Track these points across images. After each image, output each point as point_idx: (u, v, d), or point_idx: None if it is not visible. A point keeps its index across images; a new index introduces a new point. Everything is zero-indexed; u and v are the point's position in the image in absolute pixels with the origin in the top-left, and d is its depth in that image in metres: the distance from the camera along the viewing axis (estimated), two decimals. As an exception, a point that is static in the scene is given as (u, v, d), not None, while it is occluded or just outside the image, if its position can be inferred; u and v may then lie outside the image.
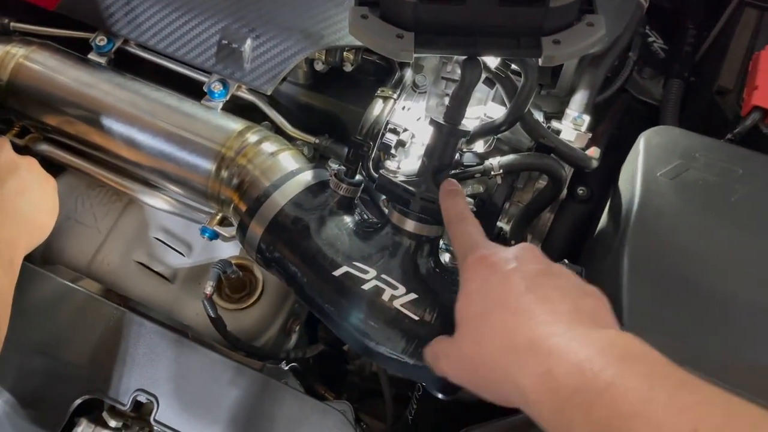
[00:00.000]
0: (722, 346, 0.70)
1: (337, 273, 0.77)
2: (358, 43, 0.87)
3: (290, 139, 0.94)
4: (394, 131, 0.87)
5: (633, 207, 0.78)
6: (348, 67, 0.92)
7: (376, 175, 0.80)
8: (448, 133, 0.75)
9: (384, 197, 0.86)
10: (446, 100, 0.93)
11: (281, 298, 0.99)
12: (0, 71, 0.94)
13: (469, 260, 0.63)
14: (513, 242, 0.90)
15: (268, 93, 0.90)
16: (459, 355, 0.61)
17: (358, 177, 0.82)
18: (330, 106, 0.97)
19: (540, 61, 0.70)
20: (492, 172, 0.81)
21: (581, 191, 1.01)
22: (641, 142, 0.83)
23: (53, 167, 1.03)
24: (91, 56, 0.96)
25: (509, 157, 0.82)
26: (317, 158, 0.97)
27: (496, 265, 0.61)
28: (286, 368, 1.02)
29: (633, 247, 0.76)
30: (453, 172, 0.81)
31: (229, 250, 1.00)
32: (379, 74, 0.96)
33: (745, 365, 0.69)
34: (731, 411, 0.45)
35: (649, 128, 0.89)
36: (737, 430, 0.43)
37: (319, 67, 0.93)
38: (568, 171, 0.88)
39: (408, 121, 0.89)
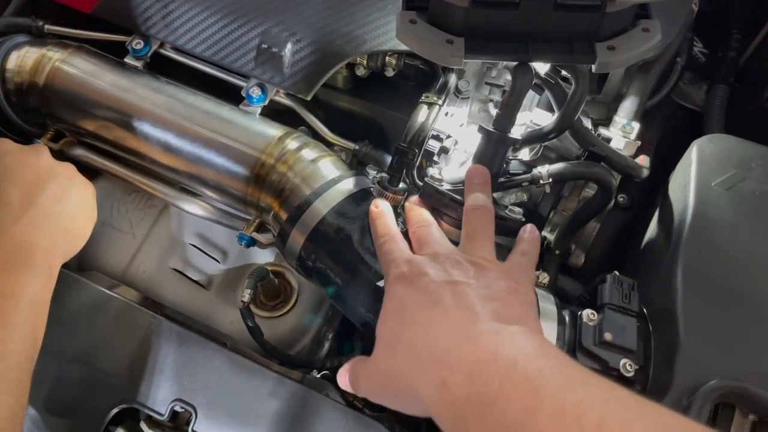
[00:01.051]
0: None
1: (381, 284, 0.75)
2: (401, 47, 0.86)
3: (328, 145, 0.92)
4: (437, 138, 0.85)
5: (686, 218, 0.76)
6: (390, 72, 0.90)
7: (421, 183, 0.78)
8: (498, 141, 0.73)
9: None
10: (490, 106, 0.91)
11: (316, 305, 0.97)
12: (36, 75, 0.93)
13: (390, 278, 0.65)
14: (557, 252, 0.88)
15: (308, 98, 0.89)
16: (375, 371, 0.63)
17: (401, 185, 0.81)
18: (369, 112, 0.95)
19: (593, 67, 0.68)
20: (541, 181, 0.79)
21: (622, 199, 0.99)
22: (694, 151, 0.81)
23: (88, 172, 1.02)
24: (128, 60, 0.95)
25: (559, 166, 0.80)
26: (355, 164, 0.95)
27: (411, 281, 0.63)
28: (318, 376, 1.01)
29: (687, 260, 0.74)
30: (500, 180, 0.79)
31: (263, 255, 0.98)
32: (419, 79, 0.94)
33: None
34: (610, 406, 0.45)
35: (690, 135, 0.86)
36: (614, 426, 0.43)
37: (360, 72, 0.91)
38: (616, 179, 0.86)
39: (451, 127, 0.87)
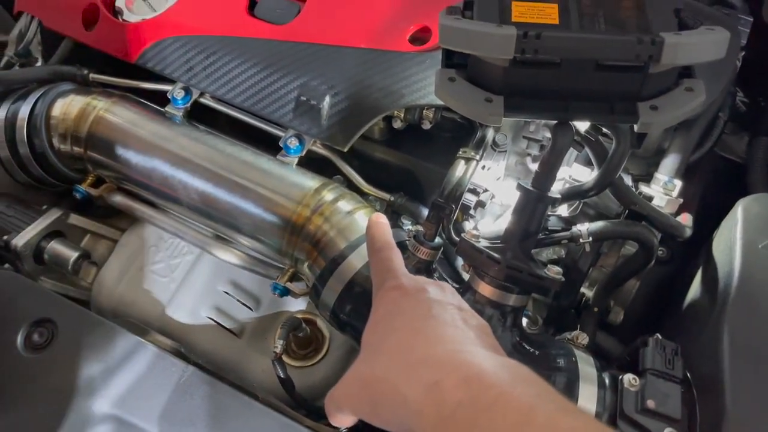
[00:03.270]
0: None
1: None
2: (439, 101, 0.86)
3: (363, 195, 0.92)
4: (474, 191, 0.84)
5: (732, 281, 0.74)
6: (426, 126, 0.90)
7: (457, 239, 0.78)
8: (536, 199, 0.72)
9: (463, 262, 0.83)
10: (527, 160, 0.90)
11: (348, 354, 0.97)
12: (81, 123, 0.95)
13: (385, 287, 0.64)
14: (596, 309, 0.86)
15: (345, 150, 0.89)
16: (353, 379, 0.60)
17: (437, 240, 0.80)
18: (405, 163, 0.95)
19: (636, 127, 0.67)
20: (581, 240, 0.77)
21: (661, 252, 0.97)
22: (739, 211, 0.79)
23: (126, 217, 1.04)
24: (169, 108, 0.96)
25: (599, 224, 0.78)
26: (390, 215, 0.95)
27: (409, 292, 0.62)
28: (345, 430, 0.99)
29: (733, 324, 0.71)
30: (539, 236, 0.78)
31: (296, 303, 0.98)
32: (456, 131, 0.94)
33: None
34: None
35: (732, 188, 0.84)
36: None
37: (397, 125, 0.91)
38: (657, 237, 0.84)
39: (487, 180, 0.86)
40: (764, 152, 1.01)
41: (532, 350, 0.74)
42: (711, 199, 1.01)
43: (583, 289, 0.88)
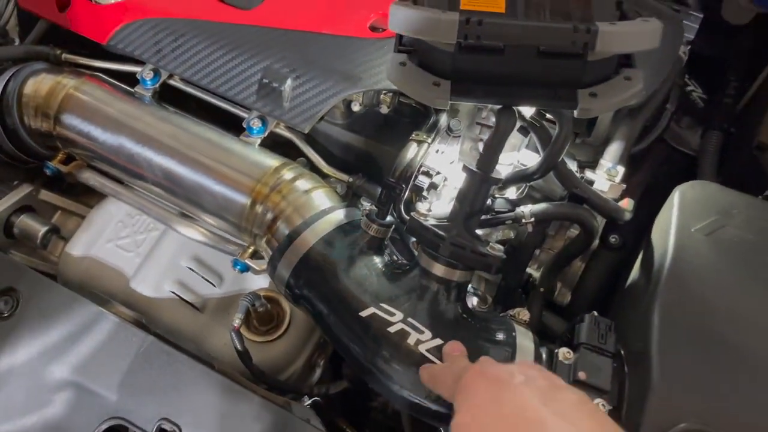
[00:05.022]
0: (752, 407, 0.68)
1: (363, 314, 0.77)
2: (395, 87, 0.89)
3: (324, 177, 0.96)
4: (427, 174, 0.87)
5: (665, 261, 0.77)
6: (384, 110, 0.94)
7: (407, 217, 0.81)
8: (481, 180, 0.75)
9: (414, 240, 0.86)
10: (480, 145, 0.93)
11: (308, 331, 1.00)
12: (50, 100, 0.98)
13: (469, 375, 0.61)
14: (542, 289, 0.90)
15: (306, 131, 0.92)
16: None
17: (389, 218, 0.83)
18: (365, 146, 0.98)
19: (576, 113, 0.70)
20: (523, 220, 0.81)
21: (614, 239, 1.00)
22: (676, 196, 0.82)
23: (95, 195, 1.06)
24: (138, 89, 0.99)
25: (541, 206, 0.82)
26: (350, 196, 0.98)
27: (501, 379, 0.59)
28: (308, 403, 1.02)
29: (664, 303, 0.75)
30: (484, 217, 0.82)
31: (259, 281, 1.01)
32: (414, 117, 0.97)
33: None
34: None
35: (685, 179, 0.88)
36: None
37: (356, 108, 0.94)
38: (600, 221, 0.87)
39: (441, 164, 0.89)
40: (714, 145, 1.04)
41: (474, 323, 0.78)
42: (664, 190, 1.05)
43: (530, 271, 0.92)
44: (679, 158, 1.14)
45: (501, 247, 0.76)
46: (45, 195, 1.05)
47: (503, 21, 0.66)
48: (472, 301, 0.93)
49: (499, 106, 0.74)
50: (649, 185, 1.01)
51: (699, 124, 1.15)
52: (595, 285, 0.99)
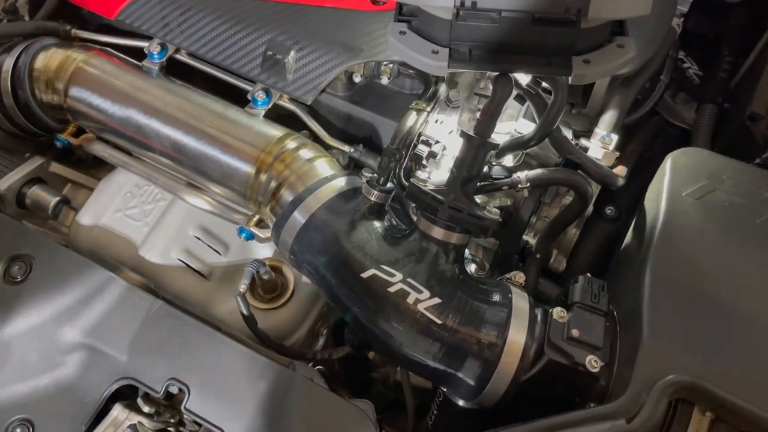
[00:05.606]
0: (739, 363, 0.70)
1: (364, 275, 0.80)
2: (395, 58, 0.92)
3: (327, 148, 0.98)
4: (427, 143, 0.90)
5: (657, 225, 0.80)
6: (385, 81, 0.96)
7: (407, 184, 0.83)
8: (478, 144, 0.78)
9: (413, 205, 0.89)
10: (479, 115, 0.96)
11: (311, 300, 1.02)
12: (60, 74, 1.01)
13: None
14: (538, 255, 0.92)
15: (309, 103, 0.95)
16: None
17: (389, 184, 0.86)
18: (366, 117, 1.01)
19: (569, 79, 0.72)
20: (519, 185, 0.83)
21: (609, 211, 1.02)
22: (668, 163, 0.85)
23: (105, 168, 1.09)
24: (145, 63, 1.02)
25: (536, 171, 0.84)
26: (352, 167, 1.01)
27: None
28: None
29: (655, 263, 0.77)
30: (481, 183, 0.84)
31: (263, 251, 1.04)
32: (415, 88, 0.99)
33: (764, 383, 0.69)
34: None
35: (680, 151, 0.90)
36: None
37: (357, 79, 0.97)
38: (594, 188, 0.90)
39: (440, 133, 0.92)
40: (708, 117, 1.07)
41: (471, 284, 0.80)
42: (659, 162, 1.07)
43: (527, 238, 0.94)
44: (673, 132, 1.16)
45: (497, 210, 0.79)
46: (55, 167, 1.08)
47: (498, -13, 0.69)
48: (470, 268, 0.95)
49: (495, 74, 0.76)
50: (644, 158, 1.03)
51: (694, 100, 1.17)
52: (591, 254, 1.02)
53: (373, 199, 0.84)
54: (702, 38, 1.21)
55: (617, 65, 0.73)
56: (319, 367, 1.03)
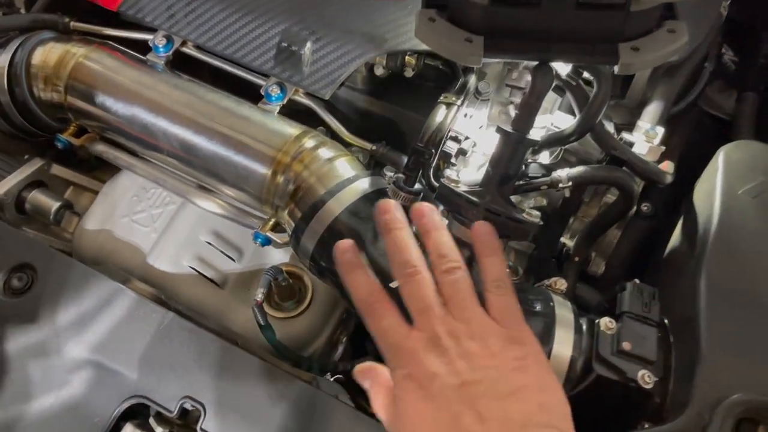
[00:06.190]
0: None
1: (393, 285, 0.74)
2: (421, 47, 0.85)
3: (346, 145, 0.92)
4: (456, 139, 0.83)
5: (711, 226, 0.74)
6: (409, 73, 0.90)
7: (437, 184, 0.77)
8: (516, 141, 0.71)
9: (442, 207, 0.83)
10: (510, 109, 0.89)
11: (330, 307, 0.97)
12: (60, 70, 0.94)
13: (397, 374, 0.59)
14: (576, 258, 0.86)
15: (327, 98, 0.88)
16: None
17: (417, 186, 0.79)
18: (388, 112, 0.95)
19: (616, 69, 0.66)
20: (560, 185, 0.77)
21: (645, 207, 0.96)
22: (720, 158, 0.78)
23: (109, 170, 1.03)
24: (150, 57, 0.95)
25: (579, 169, 0.78)
26: (372, 165, 0.94)
27: (422, 386, 0.57)
28: (332, 380, 1.00)
29: (711, 269, 0.72)
30: (518, 183, 0.78)
31: (279, 255, 0.98)
32: (440, 80, 0.93)
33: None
34: None
35: (718, 144, 0.84)
36: None
37: (379, 72, 0.90)
38: (639, 186, 0.83)
39: (470, 129, 0.85)
40: (751, 107, 1.00)
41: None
42: (697, 156, 1.01)
43: (564, 240, 0.88)
44: (710, 123, 1.09)
45: (538, 213, 0.73)
46: (57, 170, 1.02)
47: (542, -31, 0.62)
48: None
49: (534, 63, 0.69)
50: (681, 151, 0.97)
51: (732, 87, 1.10)
52: (628, 255, 0.96)
53: (400, 201, 0.78)
54: (735, 23, 1.14)
55: (668, 52, 0.67)
56: (337, 376, 0.98)
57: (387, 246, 0.64)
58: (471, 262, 0.71)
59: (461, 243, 0.71)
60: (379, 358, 0.98)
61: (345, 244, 0.67)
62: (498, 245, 0.64)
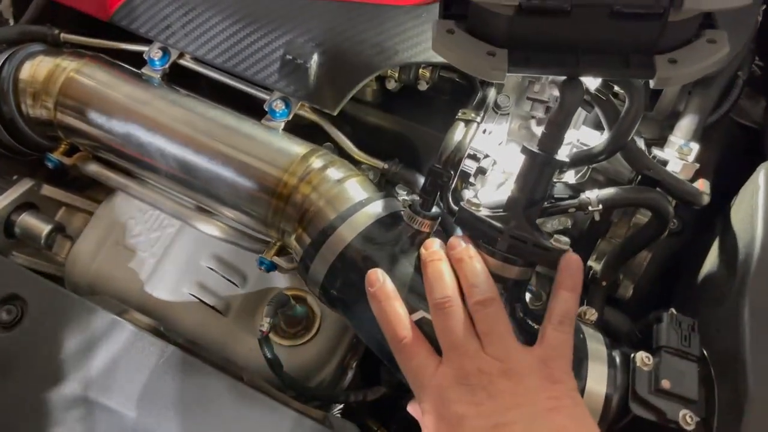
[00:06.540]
0: None
1: (412, 318, 0.68)
2: (435, 59, 0.79)
3: (355, 163, 0.86)
4: (474, 157, 0.78)
5: (754, 251, 0.68)
6: (423, 86, 0.84)
7: (456, 208, 0.72)
8: (543, 163, 0.66)
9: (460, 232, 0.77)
10: (532, 123, 0.84)
11: (340, 332, 0.92)
12: (49, 85, 0.89)
13: (426, 415, 0.62)
14: (604, 283, 0.81)
15: (335, 113, 0.83)
16: None
17: (434, 209, 0.74)
18: (400, 128, 0.89)
19: (652, 83, 0.61)
20: (589, 207, 0.71)
21: (673, 223, 0.91)
22: (761, 176, 0.73)
23: (103, 188, 0.98)
24: (145, 70, 0.90)
25: (609, 191, 0.72)
26: (383, 184, 0.89)
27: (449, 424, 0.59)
28: (340, 408, 0.95)
29: (756, 297, 0.66)
30: (544, 205, 0.72)
31: (284, 278, 0.93)
32: (455, 93, 0.87)
33: None
34: None
35: (748, 154, 0.79)
36: None
37: (391, 85, 0.85)
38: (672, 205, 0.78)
39: (489, 145, 0.80)
40: (783, 116, 0.94)
41: (537, 327, 0.69)
42: (725, 167, 0.95)
43: (590, 263, 0.83)
44: (738, 132, 1.04)
45: (567, 239, 0.67)
46: (47, 190, 0.96)
47: (574, -24, 0.57)
48: (526, 298, 0.83)
49: (563, 78, 0.64)
50: (715, 166, 0.91)
51: (761, 94, 1.04)
52: (655, 275, 0.90)
53: (416, 227, 0.72)
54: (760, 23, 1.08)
55: (709, 64, 0.61)
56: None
57: (424, 279, 0.66)
58: (506, 295, 0.66)
59: (496, 278, 0.66)
60: (392, 387, 0.93)
61: (376, 275, 0.68)
62: (580, 283, 0.65)
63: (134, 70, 0.91)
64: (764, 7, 0.83)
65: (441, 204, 0.74)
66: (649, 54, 0.60)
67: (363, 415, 1.00)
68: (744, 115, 1.03)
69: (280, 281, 0.92)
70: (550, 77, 0.75)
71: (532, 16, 0.58)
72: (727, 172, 0.89)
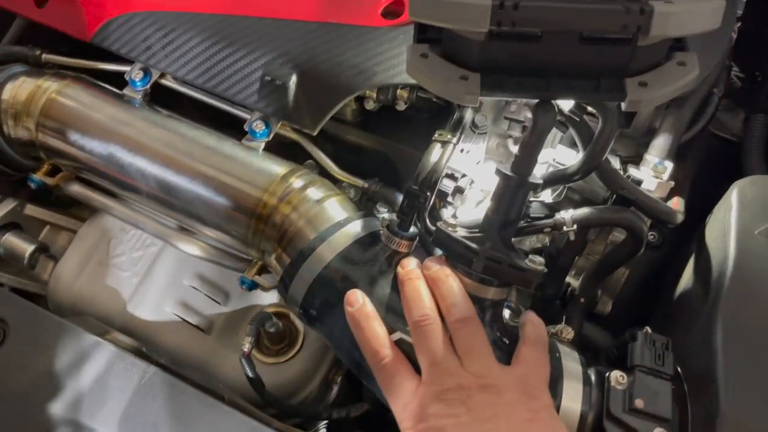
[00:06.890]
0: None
1: (392, 338, 0.69)
2: (413, 81, 0.80)
3: (335, 181, 0.87)
4: (452, 177, 0.78)
5: (726, 270, 0.69)
6: (401, 106, 0.85)
7: (433, 228, 0.72)
8: (517, 185, 0.67)
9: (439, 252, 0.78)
10: (509, 142, 0.85)
11: (323, 348, 0.92)
12: (30, 106, 0.89)
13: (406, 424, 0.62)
14: (582, 300, 0.81)
15: (314, 133, 0.83)
16: None
17: (412, 229, 0.74)
18: (380, 146, 0.90)
19: (624, 105, 0.61)
20: (564, 227, 0.72)
21: (652, 237, 0.91)
22: (734, 195, 0.74)
23: (87, 207, 0.98)
24: (127, 91, 0.90)
25: (584, 211, 0.73)
26: (364, 202, 0.89)
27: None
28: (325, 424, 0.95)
29: (727, 317, 0.67)
30: (519, 225, 0.73)
31: (267, 295, 0.93)
32: (434, 112, 0.88)
33: None
34: None
35: (727, 168, 0.79)
36: None
37: (369, 105, 0.85)
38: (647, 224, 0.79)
39: (466, 165, 0.80)
40: (761, 130, 0.95)
41: (513, 346, 0.69)
42: (703, 181, 0.96)
43: (568, 279, 0.83)
44: (718, 145, 1.05)
45: (542, 260, 0.68)
46: (31, 209, 0.97)
47: (542, 4, 0.57)
48: (505, 314, 0.84)
49: (535, 101, 0.65)
50: (691, 181, 0.92)
51: (739, 107, 1.05)
52: (635, 289, 0.91)
53: (394, 247, 0.73)
54: (742, 34, 1.09)
55: (679, 86, 0.62)
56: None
57: (402, 298, 0.67)
58: (482, 315, 0.67)
59: (473, 298, 0.67)
60: (375, 405, 0.93)
61: (355, 295, 0.69)
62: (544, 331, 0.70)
63: (116, 90, 0.91)
64: (739, 24, 0.84)
65: (418, 224, 0.75)
66: (619, 77, 0.61)
67: (349, 430, 1.00)
68: (723, 129, 1.04)
69: (264, 297, 0.93)
70: (525, 100, 0.76)
71: (504, 41, 0.59)
72: (705, 186, 0.89)
